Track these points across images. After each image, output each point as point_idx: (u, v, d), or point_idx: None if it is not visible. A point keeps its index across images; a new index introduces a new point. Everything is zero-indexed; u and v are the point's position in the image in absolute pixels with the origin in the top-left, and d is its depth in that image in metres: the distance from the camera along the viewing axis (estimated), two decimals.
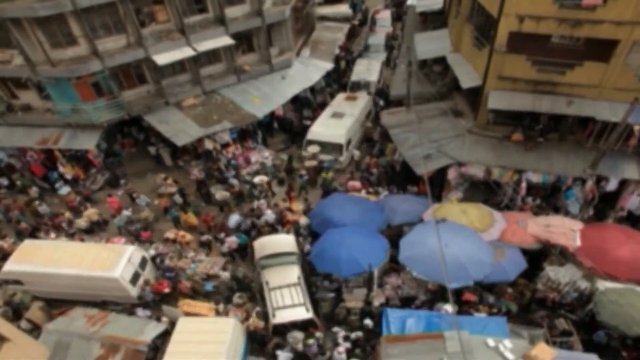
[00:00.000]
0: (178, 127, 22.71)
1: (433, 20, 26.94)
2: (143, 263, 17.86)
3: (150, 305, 17.44)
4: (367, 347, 15.24)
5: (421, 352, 12.68)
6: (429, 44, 23.48)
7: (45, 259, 17.26)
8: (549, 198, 19.57)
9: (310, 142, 23.42)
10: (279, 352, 15.08)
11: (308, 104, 27.86)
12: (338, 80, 30.51)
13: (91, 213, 21.26)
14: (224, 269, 18.40)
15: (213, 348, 14.03)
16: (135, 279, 17.20)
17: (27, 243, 18.48)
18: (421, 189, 20.32)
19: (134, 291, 17.08)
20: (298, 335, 15.29)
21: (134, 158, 25.60)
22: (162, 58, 21.82)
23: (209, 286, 18.01)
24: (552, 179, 18.49)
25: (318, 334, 15.39)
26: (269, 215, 20.08)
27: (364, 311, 16.17)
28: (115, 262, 16.86)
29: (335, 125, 23.71)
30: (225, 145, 23.83)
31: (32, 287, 17.70)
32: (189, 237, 19.91)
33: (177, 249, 19.48)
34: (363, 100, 26.00)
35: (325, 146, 23.06)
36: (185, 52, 22.34)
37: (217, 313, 16.58)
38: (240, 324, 15.64)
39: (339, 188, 21.73)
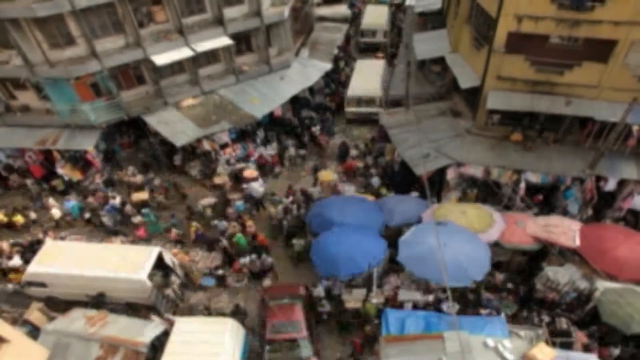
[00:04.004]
0: (177, 128, 22.68)
1: (432, 20, 26.95)
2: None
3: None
4: None
5: (420, 352, 12.67)
6: (428, 44, 23.51)
7: (69, 260, 17.18)
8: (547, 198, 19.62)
9: (352, 98, 26.77)
10: None
11: (307, 104, 27.85)
12: (337, 80, 30.51)
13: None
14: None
15: (211, 349, 14.03)
16: None
17: (51, 244, 18.34)
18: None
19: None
20: None
21: (132, 157, 25.50)
22: (161, 58, 21.79)
23: (209, 281, 18.23)
24: (551, 179, 18.51)
25: None
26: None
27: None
28: (142, 263, 16.79)
29: (369, 81, 27.30)
30: (224, 146, 23.83)
31: (56, 290, 17.53)
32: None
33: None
34: (381, 62, 29.90)
35: (365, 99, 26.64)
36: (184, 53, 22.31)
37: None
38: (240, 325, 15.66)
39: None
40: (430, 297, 16.01)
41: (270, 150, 24.58)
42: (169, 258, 17.88)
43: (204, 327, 15.10)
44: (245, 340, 15.58)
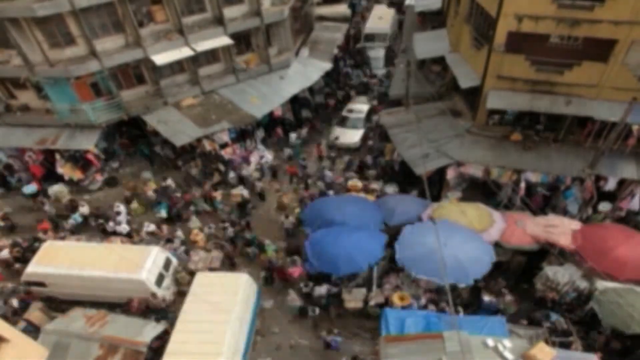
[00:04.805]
0: (177, 128, 22.67)
1: (432, 20, 26.93)
2: (167, 264, 17.82)
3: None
4: None
5: (420, 352, 12.68)
6: (428, 44, 23.47)
7: (68, 260, 17.20)
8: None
9: (369, 35, 32.36)
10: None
11: (307, 104, 27.83)
12: (337, 80, 30.47)
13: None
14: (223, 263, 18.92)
15: (227, 299, 15.36)
16: (160, 280, 17.17)
17: (49, 244, 18.36)
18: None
19: (159, 293, 17.04)
20: None
21: (130, 158, 25.59)
22: (161, 58, 21.78)
23: None
24: (551, 179, 18.50)
25: None
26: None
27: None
28: (141, 263, 16.80)
29: (381, 23, 33.24)
30: (224, 146, 23.84)
31: (55, 289, 17.59)
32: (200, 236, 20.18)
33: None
34: (391, 11, 35.26)
35: (378, 35, 31.95)
36: (184, 52, 22.30)
37: None
38: (252, 280, 16.91)
39: None
40: (424, 300, 16.05)
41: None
42: (164, 257, 17.87)
43: (221, 280, 16.45)
44: (258, 294, 17.19)
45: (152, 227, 20.45)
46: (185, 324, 14.92)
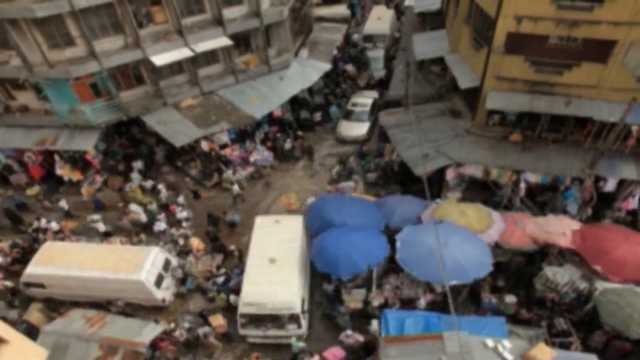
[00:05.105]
0: (176, 128, 22.66)
1: (431, 20, 26.96)
2: (166, 265, 17.81)
3: None
4: None
5: (420, 353, 12.66)
6: (427, 45, 23.50)
7: (67, 261, 17.22)
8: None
9: (367, 36, 32.18)
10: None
11: (306, 105, 27.83)
12: (336, 80, 30.46)
13: None
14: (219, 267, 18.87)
15: (291, 234, 17.57)
16: (159, 281, 17.17)
17: (48, 245, 18.39)
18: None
19: (158, 294, 17.03)
20: None
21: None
22: (160, 59, 21.75)
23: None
24: (551, 179, 18.50)
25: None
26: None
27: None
28: (140, 264, 16.79)
29: (380, 23, 32.96)
30: (223, 146, 23.84)
31: (54, 290, 17.60)
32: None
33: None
34: (390, 12, 34.98)
35: (376, 36, 31.88)
36: (183, 53, 22.27)
37: None
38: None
39: None
40: (422, 301, 16.02)
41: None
42: (163, 258, 17.90)
43: (281, 220, 18.55)
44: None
45: (163, 225, 20.74)
46: (256, 259, 16.74)
